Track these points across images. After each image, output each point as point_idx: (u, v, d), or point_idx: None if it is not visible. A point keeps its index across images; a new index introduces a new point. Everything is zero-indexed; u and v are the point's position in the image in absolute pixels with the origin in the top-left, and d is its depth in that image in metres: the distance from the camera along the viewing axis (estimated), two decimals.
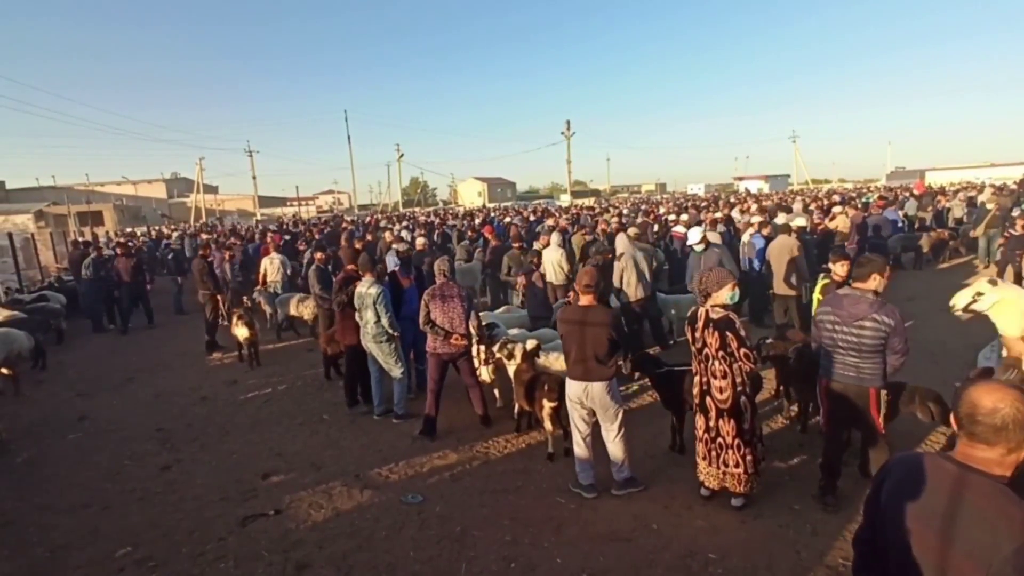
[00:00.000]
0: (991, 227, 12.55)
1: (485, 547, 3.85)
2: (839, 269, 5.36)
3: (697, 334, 4.01)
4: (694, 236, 7.56)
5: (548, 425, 4.99)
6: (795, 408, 5.44)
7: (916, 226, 15.22)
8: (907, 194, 22.68)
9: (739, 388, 3.93)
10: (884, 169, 76.27)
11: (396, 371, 5.92)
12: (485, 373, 5.89)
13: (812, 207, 16.24)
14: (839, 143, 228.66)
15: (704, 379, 4.04)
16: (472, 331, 5.54)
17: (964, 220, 15.91)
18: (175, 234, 21.75)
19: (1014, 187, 22.07)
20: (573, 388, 4.29)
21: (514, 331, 6.55)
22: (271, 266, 10.70)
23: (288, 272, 10.70)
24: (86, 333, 11.29)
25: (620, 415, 4.28)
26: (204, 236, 19.38)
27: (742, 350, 3.85)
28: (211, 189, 63.93)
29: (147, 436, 6.01)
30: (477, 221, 18.09)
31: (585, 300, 4.28)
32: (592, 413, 4.33)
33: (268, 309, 10.31)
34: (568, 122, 46.39)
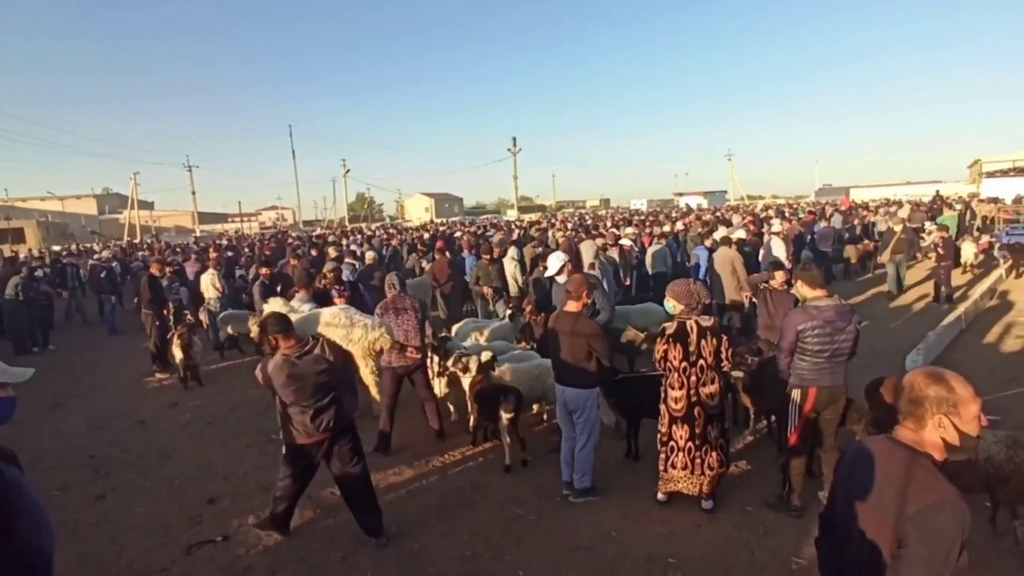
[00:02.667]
0: (897, 252, 11.46)
1: (445, 564, 3.79)
2: (779, 278, 5.71)
3: (691, 347, 4.07)
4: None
5: (505, 437, 4.98)
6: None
7: (845, 239, 16.12)
8: (833, 209, 24.05)
9: (724, 392, 4.25)
10: (813, 186, 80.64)
11: None
12: (440, 386, 5.83)
13: (747, 221, 17.01)
14: (772, 161, 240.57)
15: (693, 391, 4.10)
16: (432, 342, 5.51)
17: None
18: (104, 252, 20.54)
19: (923, 206, 23.64)
20: (557, 391, 4.45)
21: (469, 343, 6.53)
22: (206, 281, 10.25)
23: (225, 289, 10.27)
24: (5, 357, 10.50)
25: (594, 429, 4.36)
26: (142, 253, 18.43)
27: (729, 351, 4.14)
28: (147, 205, 61.12)
29: (78, 464, 5.62)
30: (427, 235, 17.99)
31: (571, 307, 4.34)
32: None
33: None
34: (514, 139, 47.07)
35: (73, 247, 28.84)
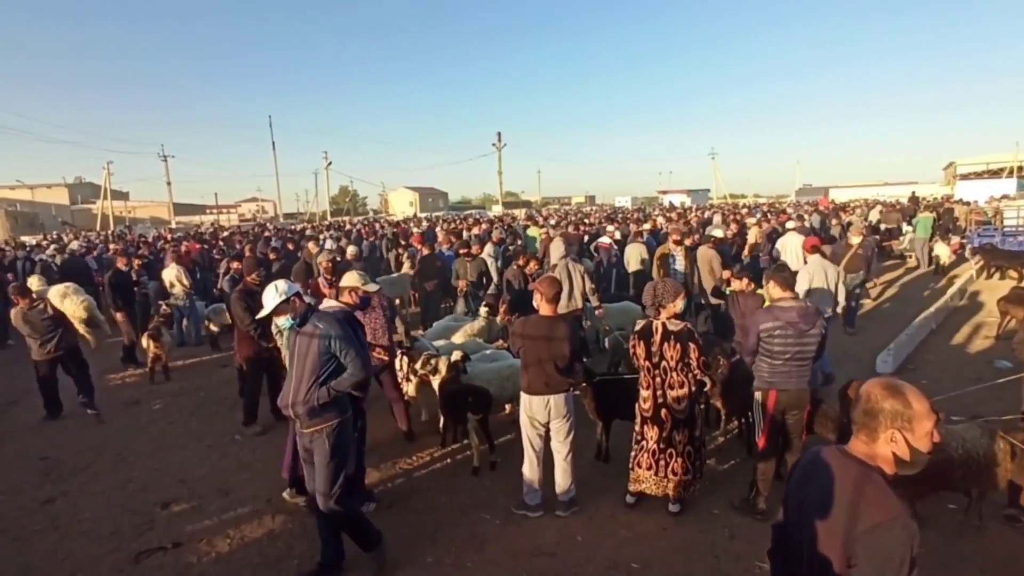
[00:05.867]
0: (852, 270, 8.62)
1: (405, 570, 3.69)
2: (739, 285, 5.64)
3: (654, 348, 4.02)
4: None
5: (474, 438, 4.88)
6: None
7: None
8: (812, 209, 24.29)
9: (694, 397, 4.10)
10: (794, 185, 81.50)
11: None
12: (411, 387, 5.70)
13: (730, 220, 17.06)
14: (754, 160, 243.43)
15: (659, 392, 4.05)
16: (403, 341, 5.38)
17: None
18: (74, 243, 19.91)
19: (898, 206, 23.95)
20: (534, 404, 4.12)
21: (440, 343, 6.40)
22: (170, 276, 9.92)
23: (187, 282, 9.96)
24: None
25: (573, 432, 4.21)
26: (113, 246, 17.81)
27: (700, 359, 4.02)
28: (121, 195, 59.80)
29: (28, 466, 5.40)
30: (417, 230, 17.69)
31: (546, 310, 4.14)
32: (547, 432, 4.21)
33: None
34: (499, 134, 46.77)
35: (38, 239, 28.06)
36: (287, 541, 4.03)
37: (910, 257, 15.68)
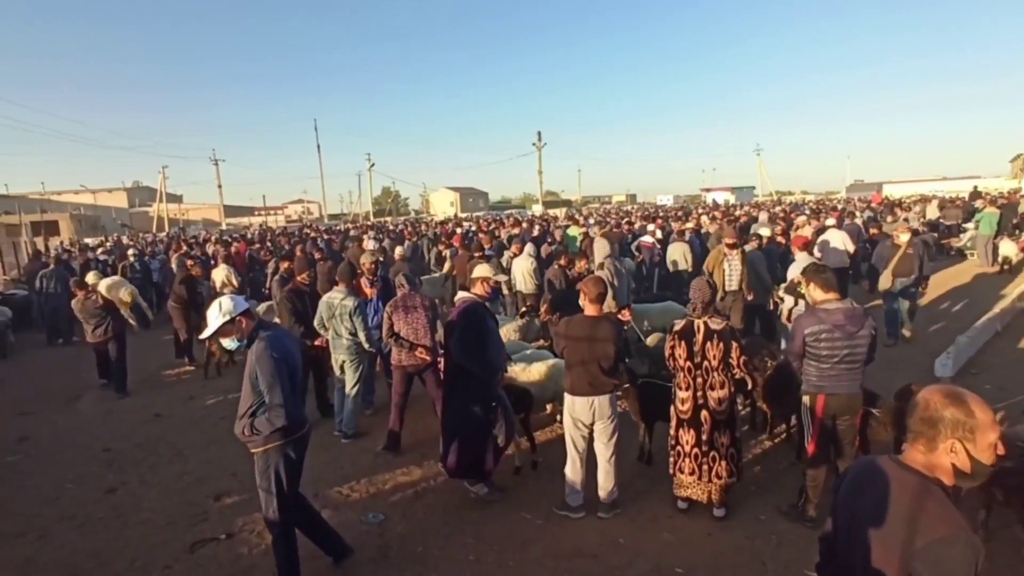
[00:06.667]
0: (903, 274, 7.76)
1: (447, 568, 3.73)
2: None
3: (696, 347, 3.96)
4: None
5: (516, 438, 4.88)
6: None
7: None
8: (864, 205, 23.39)
9: (734, 398, 4.04)
10: (844, 182, 78.67)
11: (351, 387, 5.75)
12: None
13: (777, 218, 16.59)
14: (802, 156, 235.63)
15: (700, 392, 3.98)
16: (440, 342, 5.43)
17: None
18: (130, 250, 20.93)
19: (959, 201, 22.72)
20: (578, 405, 4.11)
21: None
22: (220, 277, 10.35)
23: (236, 282, 10.35)
24: (35, 347, 10.78)
25: (617, 433, 4.18)
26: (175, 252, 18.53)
27: (742, 358, 3.95)
28: (175, 198, 62.28)
29: (93, 457, 5.69)
30: (459, 231, 17.87)
31: (592, 311, 4.14)
32: (591, 433, 4.19)
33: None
34: (539, 133, 46.79)
35: (99, 240, 29.47)
36: None
37: (972, 255, 14.92)
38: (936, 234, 15.42)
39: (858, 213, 17.64)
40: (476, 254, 9.21)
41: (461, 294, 4.69)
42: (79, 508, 4.70)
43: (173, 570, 3.80)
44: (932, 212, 19.14)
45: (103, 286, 8.28)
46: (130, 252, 13.98)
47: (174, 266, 12.05)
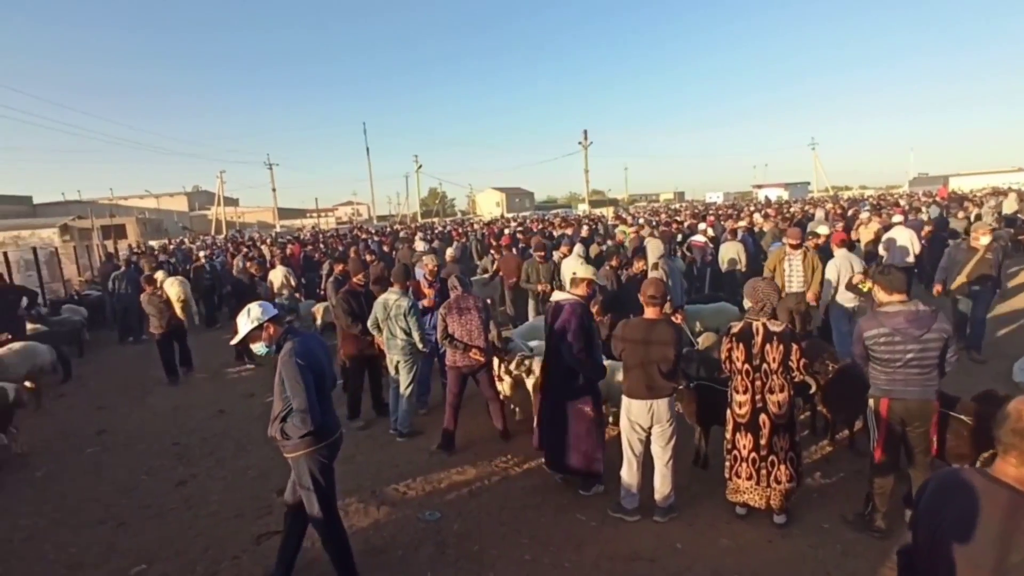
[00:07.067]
0: (980, 281, 6.86)
1: (503, 567, 3.75)
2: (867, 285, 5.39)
3: (755, 349, 3.87)
4: None
5: None
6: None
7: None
8: (930, 200, 22.24)
9: (793, 401, 3.95)
10: (907, 175, 75.18)
11: (405, 387, 5.85)
12: (505, 386, 5.79)
13: (834, 215, 15.96)
14: (860, 149, 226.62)
15: (758, 396, 3.89)
16: (493, 342, 5.49)
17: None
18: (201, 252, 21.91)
19: None
20: (635, 408, 4.07)
21: (534, 343, 6.45)
22: (278, 278, 10.77)
23: (293, 283, 10.76)
24: (109, 345, 11.42)
25: (675, 437, 4.13)
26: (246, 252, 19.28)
27: (802, 361, 3.84)
28: (232, 202, 64.83)
29: (164, 450, 6.00)
30: (507, 231, 17.97)
31: (651, 313, 4.10)
32: (648, 436, 4.15)
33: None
34: (585, 132, 46.22)
35: (162, 243, 30.88)
36: (391, 532, 4.22)
37: None
38: (1012, 230, 14.46)
39: (923, 209, 16.77)
40: (538, 255, 9.17)
41: (560, 295, 4.63)
42: (153, 499, 4.96)
43: (241, 560, 3.96)
44: (1010, 206, 17.95)
45: (167, 284, 9.22)
46: (201, 255, 14.63)
47: (235, 268, 12.56)
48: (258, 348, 3.43)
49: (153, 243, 31.53)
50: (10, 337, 7.98)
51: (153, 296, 8.51)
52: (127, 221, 45.23)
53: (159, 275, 9.62)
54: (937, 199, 22.48)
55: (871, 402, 3.82)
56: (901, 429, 3.73)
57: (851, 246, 7.34)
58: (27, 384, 7.44)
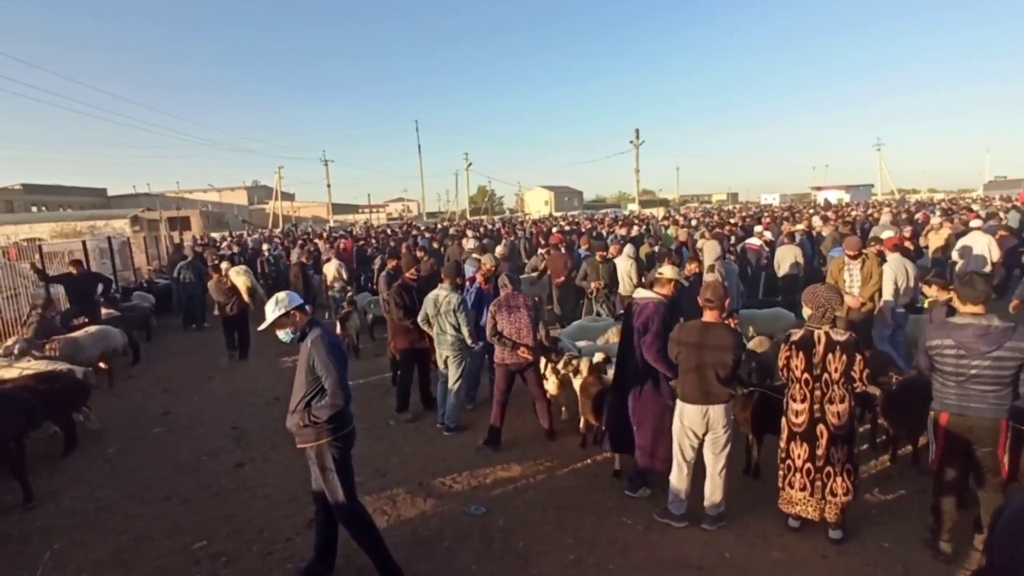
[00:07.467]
0: None
1: (548, 566, 3.76)
2: (932, 292, 5.16)
3: (816, 359, 3.75)
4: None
5: None
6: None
7: None
8: (1010, 205, 20.93)
9: (854, 413, 3.83)
10: (981, 178, 71.00)
11: (453, 382, 5.92)
12: (552, 385, 5.79)
13: (902, 220, 15.21)
14: (929, 150, 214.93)
15: (817, 406, 3.77)
16: (542, 341, 5.50)
17: None
18: (265, 245, 22.81)
19: None
20: (689, 413, 4.01)
21: (582, 343, 6.43)
22: (331, 271, 11.17)
23: (346, 276, 11.18)
24: (174, 331, 12.01)
25: (730, 445, 4.04)
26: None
27: (866, 372, 3.71)
28: (288, 196, 67.02)
29: (223, 433, 6.27)
30: (555, 229, 17.93)
31: (709, 317, 4.03)
32: (701, 442, 4.07)
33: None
34: (637, 131, 45.75)
35: (224, 235, 32.18)
36: (438, 524, 4.29)
37: None
38: None
39: (1002, 214, 15.76)
40: (600, 254, 9.12)
41: (643, 292, 4.59)
42: (213, 479, 5.20)
43: (294, 542, 4.10)
44: None
45: (232, 273, 9.74)
46: (265, 248, 15.26)
47: (292, 259, 13.04)
48: (284, 335, 3.52)
49: (215, 235, 32.92)
50: (87, 321, 8.51)
51: (219, 283, 9.44)
52: (191, 213, 47.37)
53: (224, 264, 10.31)
54: (1017, 203, 21.13)
55: (932, 415, 3.67)
56: (966, 447, 3.54)
57: (905, 251, 7.10)
58: (101, 365, 7.93)
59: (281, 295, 3.52)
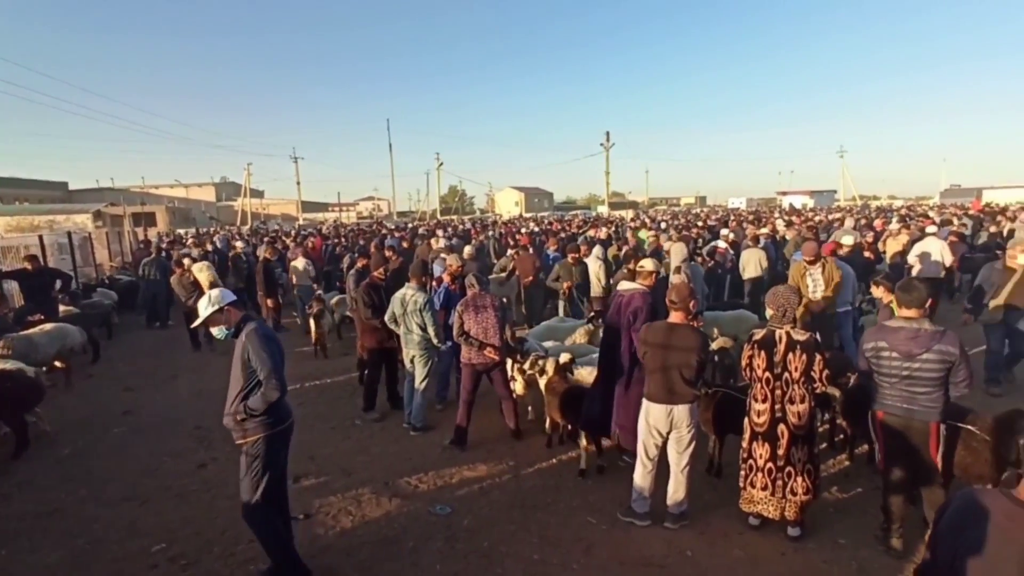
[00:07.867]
0: (1017, 304, 6.23)
1: (512, 565, 3.78)
2: (879, 293, 5.37)
3: (777, 358, 3.84)
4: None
5: (583, 440, 4.90)
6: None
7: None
8: (963, 212, 21.73)
9: (814, 412, 3.93)
10: (938, 186, 73.46)
11: (420, 382, 5.91)
12: (518, 386, 5.83)
13: (862, 225, 15.68)
14: (890, 158, 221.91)
15: (778, 405, 3.86)
16: (507, 341, 5.53)
17: None
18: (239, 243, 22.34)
19: None
20: (654, 412, 4.06)
21: (549, 344, 6.48)
22: (299, 269, 11.09)
23: (313, 274, 11.28)
24: (136, 329, 11.69)
25: (694, 444, 4.10)
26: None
27: (825, 372, 3.80)
28: (257, 193, 65.84)
29: (186, 433, 6.14)
30: (524, 231, 17.93)
31: (675, 318, 4.09)
32: (665, 441, 4.13)
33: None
34: (607, 133, 46.34)
35: (190, 231, 31.45)
36: (403, 523, 4.28)
37: None
38: None
39: (955, 221, 16.34)
40: (572, 256, 9.13)
41: (627, 284, 4.88)
42: (175, 480, 5.09)
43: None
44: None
45: (195, 268, 9.98)
46: (238, 244, 14.95)
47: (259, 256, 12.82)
48: (218, 331, 3.54)
49: (181, 231, 32.14)
50: (43, 318, 8.24)
51: (182, 278, 9.68)
52: (157, 209, 46.13)
53: (186, 260, 10.39)
54: (970, 212, 21.95)
55: (871, 413, 3.86)
56: (907, 446, 3.68)
57: (844, 258, 7.64)
58: (58, 364, 7.69)
59: (214, 292, 3.54)
